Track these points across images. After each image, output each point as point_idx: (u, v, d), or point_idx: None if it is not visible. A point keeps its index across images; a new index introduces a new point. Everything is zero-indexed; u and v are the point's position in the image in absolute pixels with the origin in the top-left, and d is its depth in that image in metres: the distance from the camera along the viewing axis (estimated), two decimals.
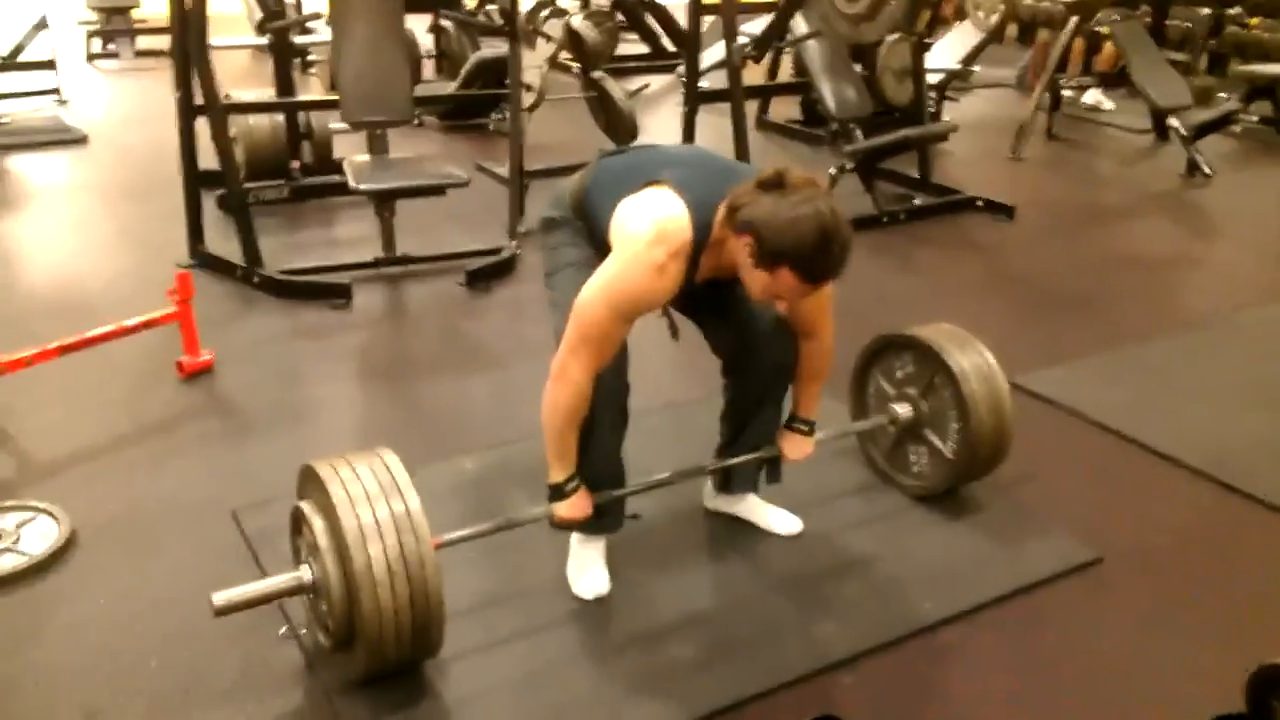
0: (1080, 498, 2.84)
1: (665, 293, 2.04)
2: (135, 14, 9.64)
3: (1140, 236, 5.37)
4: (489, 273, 4.34)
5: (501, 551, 2.44)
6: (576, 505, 2.20)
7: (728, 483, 2.60)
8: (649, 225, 1.98)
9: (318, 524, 1.94)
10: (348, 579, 1.87)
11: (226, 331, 3.73)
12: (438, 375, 3.50)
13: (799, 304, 2.16)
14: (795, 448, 2.48)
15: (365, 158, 4.37)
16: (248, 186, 4.72)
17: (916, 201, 5.60)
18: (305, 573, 1.98)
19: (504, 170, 5.15)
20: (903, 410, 2.71)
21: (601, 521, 2.31)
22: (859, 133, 5.42)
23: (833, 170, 5.28)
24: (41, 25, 7.26)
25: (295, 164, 5.43)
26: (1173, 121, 6.53)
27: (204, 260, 4.35)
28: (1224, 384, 3.55)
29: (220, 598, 1.90)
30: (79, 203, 5.36)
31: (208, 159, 4.29)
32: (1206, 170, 6.34)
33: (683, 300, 2.36)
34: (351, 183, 4.08)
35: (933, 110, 6.84)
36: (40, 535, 2.46)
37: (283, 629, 2.11)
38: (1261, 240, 5.38)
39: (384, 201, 4.20)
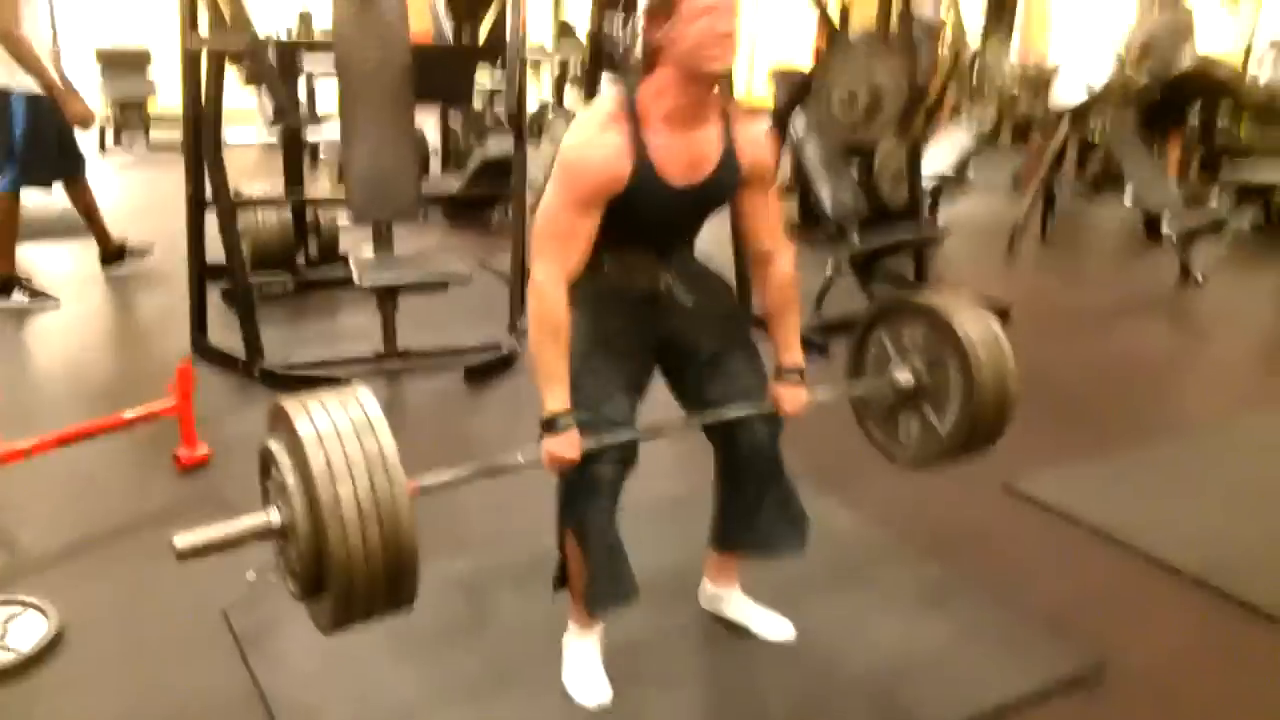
0: (1076, 606, 2.82)
1: (613, 156, 2.01)
2: (150, 106, 9.89)
3: (1135, 339, 5.43)
4: (488, 369, 4.37)
5: (492, 643, 2.42)
6: (568, 443, 2.07)
7: (731, 534, 2.46)
8: (580, 115, 2.11)
9: (285, 462, 1.83)
10: (315, 518, 1.76)
11: (226, 424, 3.74)
12: (432, 471, 3.49)
13: (751, 218, 2.24)
14: (790, 399, 2.29)
15: (369, 254, 4.44)
16: (253, 280, 4.79)
17: None
18: (273, 515, 1.87)
19: (506, 266, 5.23)
20: (903, 377, 2.54)
21: (626, 595, 2.23)
22: (855, 234, 5.51)
23: (829, 271, 5.36)
24: None
25: (301, 258, 5.51)
26: (1164, 226, 6.65)
27: (206, 352, 4.39)
28: (1221, 489, 3.55)
29: (183, 541, 1.79)
30: (87, 293, 5.43)
31: (215, 250, 4.36)
32: (1199, 275, 6.43)
33: (663, 333, 2.28)
34: (355, 279, 4.15)
35: (929, 210, 6.96)
36: (28, 631, 2.44)
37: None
38: (1255, 345, 5.44)
39: (387, 297, 4.26)
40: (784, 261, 2.30)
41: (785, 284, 2.31)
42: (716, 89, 2.09)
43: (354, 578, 1.74)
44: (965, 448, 2.51)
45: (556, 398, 2.07)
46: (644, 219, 2.13)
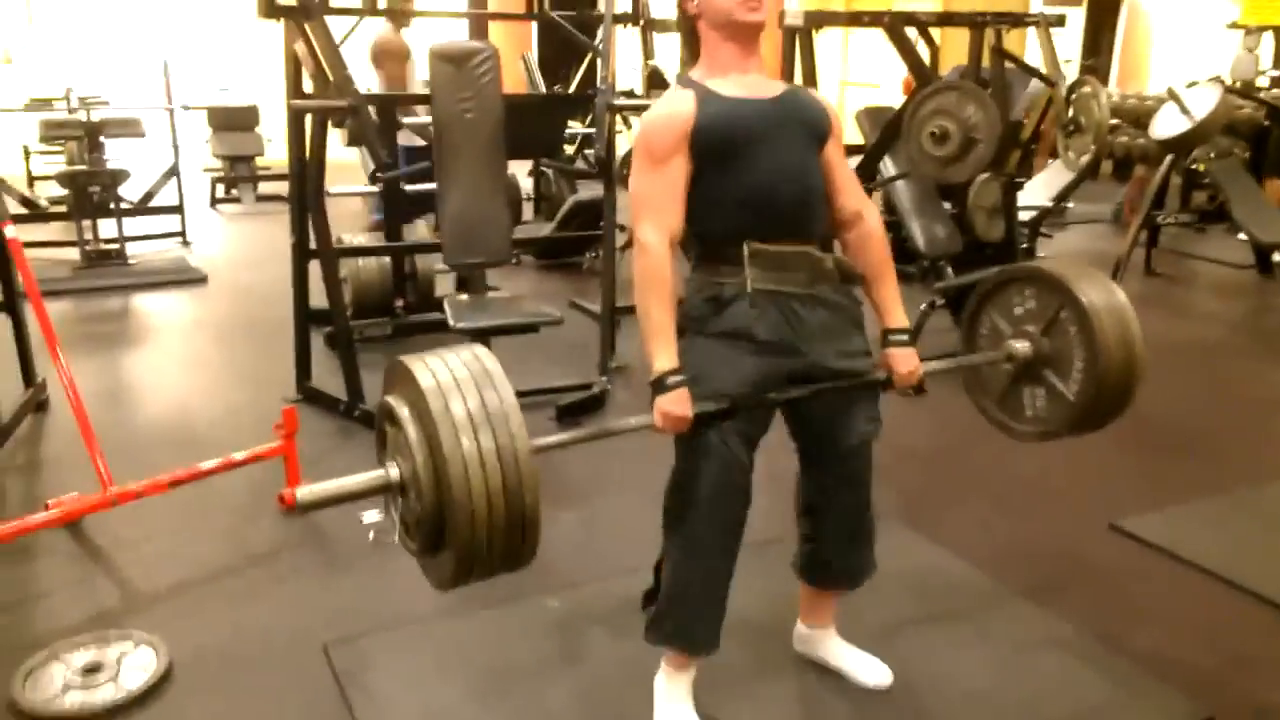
0: (1188, 650, 2.71)
1: (677, 104, 2.09)
2: (259, 161, 10.28)
3: (1246, 375, 5.21)
4: (579, 408, 4.41)
5: (585, 682, 2.43)
6: (678, 401, 2.02)
7: (820, 568, 2.43)
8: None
9: (405, 415, 1.81)
10: (437, 469, 1.74)
11: (327, 464, 3.84)
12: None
13: (836, 171, 2.23)
14: (902, 360, 2.25)
15: (464, 297, 4.53)
16: (354, 324, 4.93)
17: None
18: (392, 470, 1.86)
19: (596, 307, 5.29)
20: (1021, 347, 2.48)
21: (694, 639, 2.23)
22: (949, 270, 5.43)
23: (924, 306, 5.29)
24: (172, 172, 7.81)
25: (399, 302, 5.66)
26: (1277, 257, 6.40)
27: (310, 395, 4.53)
28: None
29: (304, 493, 1.80)
30: (196, 339, 5.66)
31: (318, 297, 4.51)
32: None
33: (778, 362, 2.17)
34: (451, 321, 4.24)
35: (1026, 246, 6.82)
36: (139, 667, 2.53)
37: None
38: None
39: (480, 339, 4.34)
40: (873, 218, 2.30)
41: (879, 242, 2.30)
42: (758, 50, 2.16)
43: (476, 530, 1.72)
44: (1094, 412, 2.43)
45: (665, 356, 2.05)
46: (738, 149, 2.10)
